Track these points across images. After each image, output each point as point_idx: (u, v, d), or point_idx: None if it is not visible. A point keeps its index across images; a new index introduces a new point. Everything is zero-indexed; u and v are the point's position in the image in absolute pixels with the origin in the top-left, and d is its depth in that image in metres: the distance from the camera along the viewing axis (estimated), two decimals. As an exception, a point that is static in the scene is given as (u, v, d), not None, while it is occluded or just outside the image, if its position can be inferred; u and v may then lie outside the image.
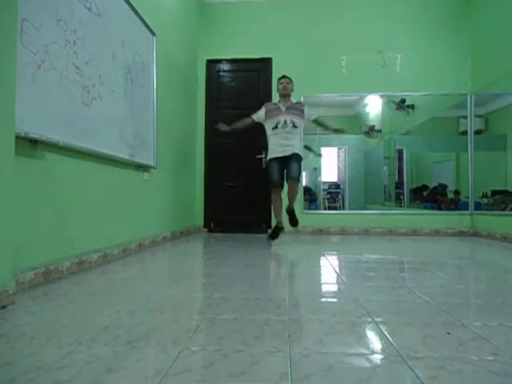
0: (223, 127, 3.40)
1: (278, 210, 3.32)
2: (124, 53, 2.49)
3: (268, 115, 3.27)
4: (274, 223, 4.34)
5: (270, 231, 3.33)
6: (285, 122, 3.18)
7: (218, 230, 4.47)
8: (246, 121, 3.37)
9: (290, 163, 3.16)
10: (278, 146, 3.20)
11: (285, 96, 3.29)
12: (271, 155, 3.26)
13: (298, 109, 3.27)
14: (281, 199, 3.27)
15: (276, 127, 3.21)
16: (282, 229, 3.39)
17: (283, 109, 3.23)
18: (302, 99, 4.38)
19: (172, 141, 3.63)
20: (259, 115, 3.33)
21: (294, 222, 3.35)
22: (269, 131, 3.28)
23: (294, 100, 3.41)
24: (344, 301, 1.43)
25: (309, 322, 1.17)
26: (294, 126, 3.19)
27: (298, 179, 3.16)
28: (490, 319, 1.18)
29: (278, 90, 3.36)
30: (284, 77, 3.34)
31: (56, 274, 1.76)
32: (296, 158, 3.17)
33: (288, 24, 4.52)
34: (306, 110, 3.31)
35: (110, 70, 2.30)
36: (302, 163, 3.30)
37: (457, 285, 1.75)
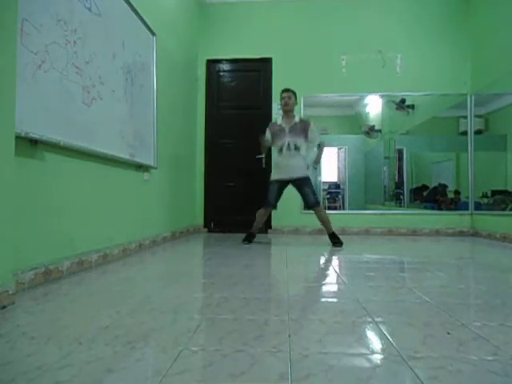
0: (265, 142, 3.32)
1: (259, 223, 3.37)
2: (124, 53, 2.49)
3: (274, 137, 3.28)
4: (273, 224, 4.37)
5: (247, 243, 3.34)
6: (288, 144, 3.18)
7: (218, 230, 4.47)
8: (266, 144, 3.36)
9: (302, 191, 3.18)
10: (282, 167, 3.22)
11: (287, 112, 3.26)
12: (275, 176, 3.28)
13: (300, 129, 3.20)
14: (266, 217, 3.38)
15: (281, 150, 3.23)
16: (254, 237, 3.41)
17: (287, 130, 3.22)
18: (302, 99, 4.38)
19: (172, 141, 3.63)
20: (268, 138, 3.33)
21: (338, 243, 3.16)
22: (275, 153, 3.34)
23: (297, 117, 3.29)
24: (344, 301, 1.43)
25: (309, 321, 1.17)
26: (296, 148, 3.18)
27: (318, 203, 3.20)
28: (490, 319, 1.18)
29: (280, 104, 3.33)
30: (286, 91, 3.26)
31: (56, 274, 1.76)
32: (304, 182, 3.18)
33: (288, 24, 4.52)
34: (312, 132, 3.21)
35: (110, 70, 2.30)
36: (312, 181, 3.29)
37: (457, 285, 1.75)
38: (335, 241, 3.18)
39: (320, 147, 3.36)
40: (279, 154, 3.26)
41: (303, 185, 3.18)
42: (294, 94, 3.29)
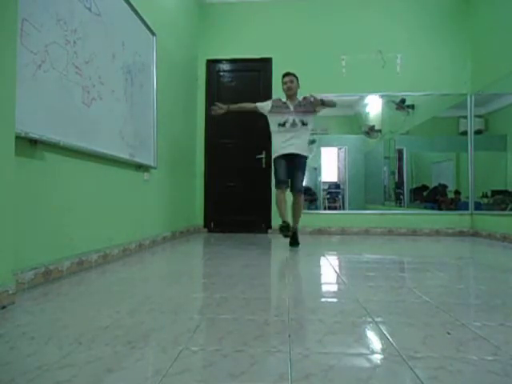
0: (218, 110, 3.23)
1: (284, 209, 3.14)
2: (124, 53, 2.49)
3: (275, 110, 3.17)
4: (273, 224, 4.35)
5: (288, 236, 3.09)
6: (293, 121, 3.09)
7: (218, 230, 4.47)
8: (248, 105, 3.27)
9: (295, 172, 3.11)
10: (284, 144, 3.11)
11: (291, 96, 3.18)
12: (277, 153, 3.17)
13: (306, 105, 3.14)
14: (286, 199, 3.16)
15: (283, 125, 3.12)
16: (288, 225, 3.13)
17: (292, 108, 3.13)
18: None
19: (172, 141, 3.63)
20: (263, 106, 3.23)
21: (295, 243, 3.14)
22: (274, 127, 3.18)
23: (301, 98, 3.21)
24: (344, 301, 1.43)
25: (309, 322, 1.17)
26: (304, 124, 3.11)
27: (302, 191, 3.15)
28: (490, 319, 1.18)
29: (283, 89, 3.24)
30: (287, 74, 3.20)
31: (56, 274, 1.76)
32: (302, 165, 3.13)
33: (288, 24, 4.52)
34: (313, 99, 3.12)
35: (110, 70, 2.30)
36: (308, 161, 3.22)
37: (457, 285, 1.75)
38: (294, 240, 3.13)
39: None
40: (280, 129, 3.14)
41: (299, 167, 3.12)
42: (296, 77, 3.20)
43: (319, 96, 3.13)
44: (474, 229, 4.18)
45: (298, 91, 3.24)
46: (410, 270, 2.21)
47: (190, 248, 3.13)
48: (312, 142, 3.23)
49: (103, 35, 2.21)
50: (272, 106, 3.20)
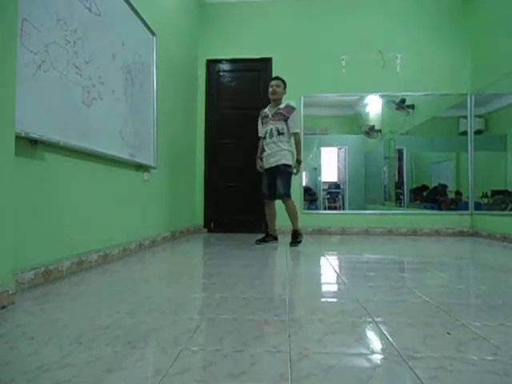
0: (260, 165, 3.31)
1: (272, 221, 3.32)
2: (124, 53, 2.49)
3: (262, 123, 3.24)
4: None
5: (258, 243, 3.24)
6: (271, 130, 3.10)
7: (218, 230, 4.47)
8: (260, 143, 3.29)
9: (276, 181, 3.11)
10: (265, 155, 3.18)
11: (274, 100, 3.18)
12: (264, 166, 3.25)
13: (283, 114, 3.11)
14: (274, 211, 3.29)
15: (264, 137, 3.17)
16: (275, 238, 3.35)
17: (270, 115, 3.15)
18: (302, 99, 4.38)
19: (172, 141, 3.63)
20: (259, 130, 3.30)
21: (295, 242, 3.15)
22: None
23: (284, 104, 3.17)
24: (344, 301, 1.43)
25: (309, 322, 1.17)
26: (280, 133, 3.08)
27: (286, 195, 3.08)
28: (489, 319, 1.18)
29: (269, 92, 3.20)
30: (275, 78, 3.22)
31: (56, 274, 1.76)
32: (281, 172, 3.08)
33: (288, 24, 4.52)
34: (291, 120, 3.10)
35: (110, 70, 2.30)
36: (292, 165, 3.16)
37: (457, 285, 1.75)
38: (293, 240, 3.17)
39: (296, 141, 3.18)
40: (265, 140, 3.18)
41: (277, 174, 3.10)
42: (284, 82, 3.20)
43: (293, 129, 3.14)
44: (473, 229, 4.18)
45: (284, 97, 3.25)
46: (410, 269, 2.21)
47: (190, 248, 3.13)
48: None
49: (103, 35, 2.21)
50: (260, 121, 3.27)
